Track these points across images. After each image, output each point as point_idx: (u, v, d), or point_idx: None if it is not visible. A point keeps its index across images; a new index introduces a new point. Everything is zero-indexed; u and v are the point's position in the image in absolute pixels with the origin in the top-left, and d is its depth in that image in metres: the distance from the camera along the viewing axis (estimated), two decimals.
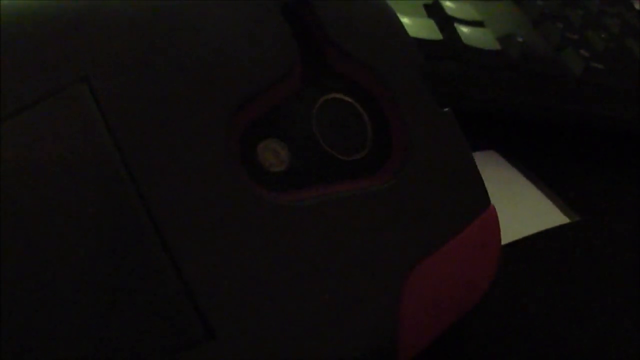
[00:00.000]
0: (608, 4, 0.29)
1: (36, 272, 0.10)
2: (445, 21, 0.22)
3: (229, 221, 0.11)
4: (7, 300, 0.10)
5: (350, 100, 0.13)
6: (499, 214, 0.14)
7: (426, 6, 0.23)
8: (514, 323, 0.17)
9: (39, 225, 0.10)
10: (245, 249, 0.11)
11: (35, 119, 0.10)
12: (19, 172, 0.10)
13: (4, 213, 0.10)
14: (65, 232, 0.10)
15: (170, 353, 0.10)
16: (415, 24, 0.21)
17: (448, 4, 0.23)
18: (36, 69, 0.10)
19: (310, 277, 0.11)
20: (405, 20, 0.21)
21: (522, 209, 0.21)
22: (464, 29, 0.22)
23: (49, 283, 0.10)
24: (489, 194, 0.14)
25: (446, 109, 0.14)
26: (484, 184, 0.14)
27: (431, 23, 0.22)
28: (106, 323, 0.10)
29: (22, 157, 0.10)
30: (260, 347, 0.11)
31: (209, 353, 0.10)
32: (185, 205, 0.11)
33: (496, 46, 0.22)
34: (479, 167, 0.14)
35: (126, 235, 0.10)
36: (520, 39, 0.23)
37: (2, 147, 0.10)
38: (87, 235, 0.10)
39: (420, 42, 0.21)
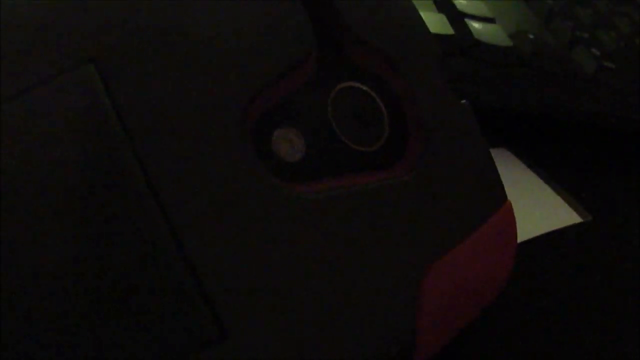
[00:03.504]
0: (617, 3, 0.29)
1: (47, 270, 0.10)
2: (455, 16, 0.22)
3: (244, 215, 0.10)
4: (16, 310, 0.10)
5: (366, 89, 0.13)
6: None
7: (436, 1, 0.23)
8: (527, 322, 0.16)
9: (43, 213, 0.10)
10: (260, 245, 0.10)
11: (42, 99, 0.10)
12: (22, 152, 0.10)
13: (6, 191, 0.10)
14: (72, 223, 0.10)
15: (183, 354, 0.10)
16: (426, 19, 0.21)
17: None
18: (43, 49, 0.10)
19: (326, 274, 0.11)
20: None
21: (533, 207, 0.20)
22: (475, 25, 0.22)
23: (61, 280, 0.10)
24: None
25: (463, 101, 0.13)
26: (500, 179, 0.14)
27: (442, 18, 0.21)
28: (119, 323, 0.10)
29: (27, 136, 0.10)
30: (274, 347, 0.10)
31: (221, 353, 0.10)
32: (198, 197, 0.10)
33: (508, 42, 0.22)
34: None
35: (136, 228, 0.10)
36: (531, 36, 0.23)
37: (7, 126, 0.10)
38: (95, 228, 0.10)
39: None
